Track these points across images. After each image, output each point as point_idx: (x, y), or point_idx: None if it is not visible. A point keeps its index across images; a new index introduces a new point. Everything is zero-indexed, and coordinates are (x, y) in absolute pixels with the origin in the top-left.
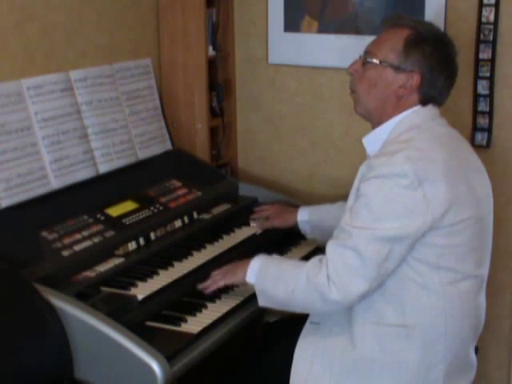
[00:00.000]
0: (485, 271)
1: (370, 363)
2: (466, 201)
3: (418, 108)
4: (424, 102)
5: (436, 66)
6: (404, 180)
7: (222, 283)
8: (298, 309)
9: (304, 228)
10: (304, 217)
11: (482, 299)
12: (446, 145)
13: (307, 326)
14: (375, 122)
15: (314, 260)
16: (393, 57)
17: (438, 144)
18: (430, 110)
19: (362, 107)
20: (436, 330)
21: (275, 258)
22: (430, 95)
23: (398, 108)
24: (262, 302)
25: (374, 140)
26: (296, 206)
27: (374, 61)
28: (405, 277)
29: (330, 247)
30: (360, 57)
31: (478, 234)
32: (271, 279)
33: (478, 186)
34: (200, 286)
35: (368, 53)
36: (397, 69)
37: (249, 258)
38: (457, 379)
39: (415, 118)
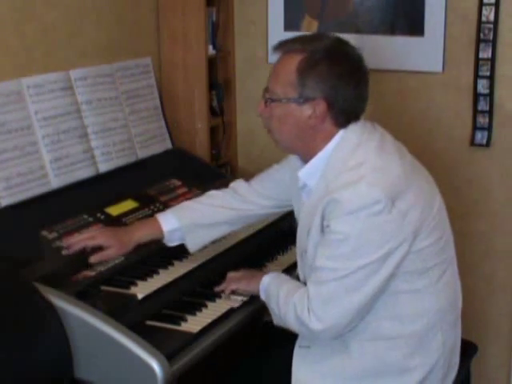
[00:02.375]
0: (453, 248)
1: (373, 374)
2: (429, 196)
3: (344, 131)
4: (341, 121)
5: (339, 83)
6: (377, 206)
7: (234, 287)
8: (296, 333)
9: (172, 238)
10: (172, 225)
11: (457, 275)
12: (392, 150)
13: (297, 350)
14: (302, 155)
15: (301, 293)
16: (290, 90)
17: (386, 153)
18: (357, 125)
19: (282, 145)
20: (433, 330)
21: (279, 277)
22: (345, 112)
23: (319, 137)
24: (274, 320)
25: (310, 173)
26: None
27: (275, 99)
28: (396, 291)
29: (310, 286)
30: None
31: (445, 219)
32: (273, 302)
33: (426, 176)
34: (216, 289)
35: (268, 91)
36: (299, 101)
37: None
38: (452, 366)
39: (349, 140)
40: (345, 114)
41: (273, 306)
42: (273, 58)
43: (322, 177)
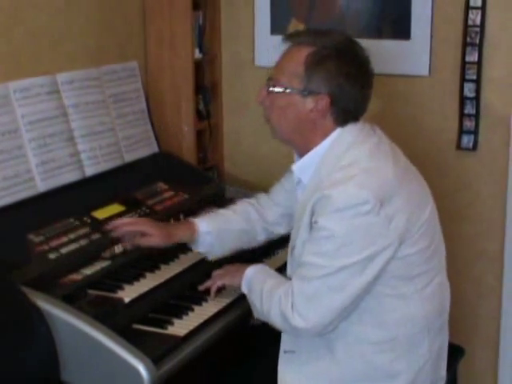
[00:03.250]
0: (444, 257)
1: (360, 378)
2: (420, 203)
3: (341, 129)
4: (341, 120)
5: (345, 82)
6: (365, 206)
7: (220, 284)
8: (277, 328)
9: (204, 241)
10: (206, 227)
11: (446, 282)
12: (386, 153)
13: (282, 355)
14: (298, 148)
15: (286, 288)
16: (296, 82)
17: (380, 156)
18: (355, 125)
19: (279, 135)
20: (419, 334)
21: (265, 271)
22: (347, 111)
23: (317, 132)
24: (254, 314)
25: (304, 167)
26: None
27: (279, 89)
28: (380, 294)
29: (295, 281)
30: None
31: (434, 228)
32: (256, 295)
33: (419, 183)
34: (200, 288)
35: (272, 80)
36: (303, 93)
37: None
38: (439, 369)
39: (345, 139)
40: (345, 113)
41: (255, 300)
42: (260, 60)
43: (316, 173)
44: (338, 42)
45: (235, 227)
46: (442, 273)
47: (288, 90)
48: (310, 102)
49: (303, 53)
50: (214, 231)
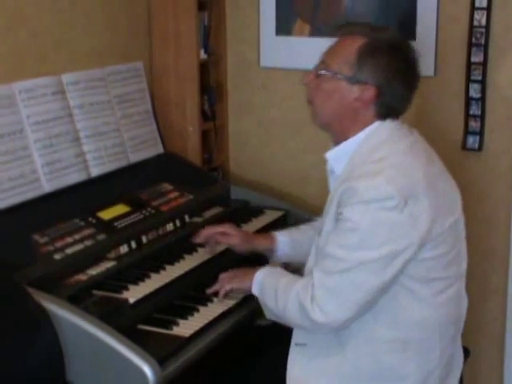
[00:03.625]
0: (464, 267)
1: (368, 377)
2: (446, 209)
3: (380, 123)
4: (382, 114)
5: (393, 77)
6: (390, 202)
7: (228, 287)
8: (292, 325)
9: (282, 249)
10: (284, 236)
11: (464, 292)
12: (419, 154)
13: (293, 348)
14: (335, 135)
15: (304, 282)
16: (346, 69)
17: (412, 155)
18: (394, 122)
19: (319, 119)
20: (431, 339)
21: (277, 271)
22: (389, 107)
23: (357, 122)
24: (267, 315)
25: (338, 156)
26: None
27: (328, 73)
28: (396, 294)
29: (316, 273)
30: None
31: (457, 237)
32: (269, 295)
33: (451, 190)
34: (208, 291)
35: (322, 63)
36: (351, 81)
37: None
38: (448, 377)
39: (381, 133)
40: (388, 108)
41: (268, 301)
42: (265, 61)
43: (349, 164)
44: (391, 38)
45: (309, 239)
46: (461, 282)
47: (338, 76)
48: (356, 91)
49: (357, 43)
50: (287, 241)
